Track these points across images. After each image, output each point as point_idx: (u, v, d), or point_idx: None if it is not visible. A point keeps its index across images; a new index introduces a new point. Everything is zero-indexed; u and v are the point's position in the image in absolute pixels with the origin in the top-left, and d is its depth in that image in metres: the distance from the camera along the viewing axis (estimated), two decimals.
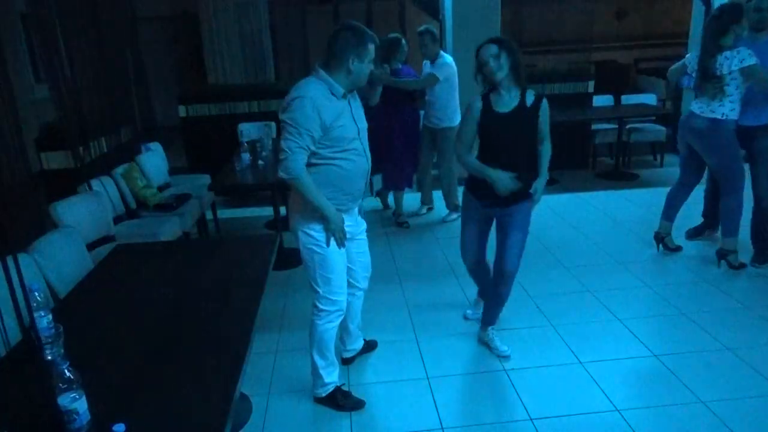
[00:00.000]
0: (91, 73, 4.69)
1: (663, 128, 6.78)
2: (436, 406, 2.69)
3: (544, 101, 2.83)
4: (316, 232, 2.51)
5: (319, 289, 2.60)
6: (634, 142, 6.73)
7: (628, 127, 6.64)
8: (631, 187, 6.03)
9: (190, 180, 5.32)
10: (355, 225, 2.69)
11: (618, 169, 6.60)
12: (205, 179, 5.25)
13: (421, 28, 4.86)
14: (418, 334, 3.33)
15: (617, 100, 6.88)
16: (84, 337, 2.06)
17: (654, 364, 2.94)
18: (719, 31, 3.58)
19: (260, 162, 4.59)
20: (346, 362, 3.06)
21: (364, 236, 2.81)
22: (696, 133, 3.81)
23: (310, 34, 10.47)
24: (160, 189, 4.92)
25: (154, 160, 5.09)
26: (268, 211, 5.18)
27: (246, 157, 4.61)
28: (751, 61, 3.48)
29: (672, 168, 6.73)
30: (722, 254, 3.95)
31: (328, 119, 2.35)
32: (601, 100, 6.80)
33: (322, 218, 2.47)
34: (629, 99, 6.94)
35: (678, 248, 4.27)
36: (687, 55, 3.94)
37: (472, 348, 3.18)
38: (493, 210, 2.95)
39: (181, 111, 6.38)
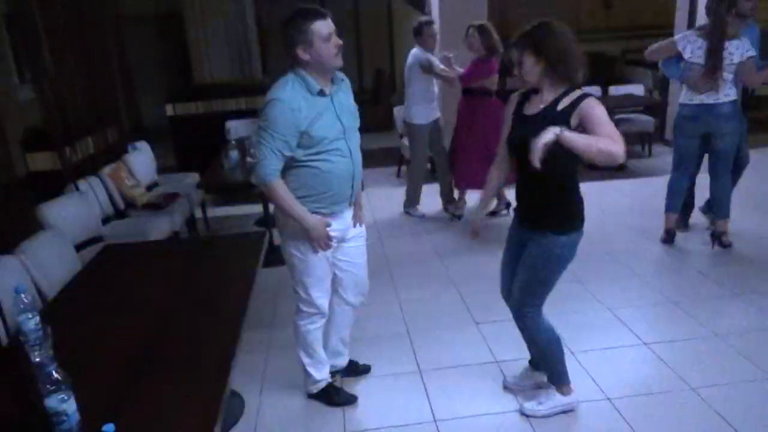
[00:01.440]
0: (76, 74, 4.65)
1: (651, 118, 6.82)
2: (428, 399, 2.71)
3: (585, 102, 2.10)
4: (295, 237, 2.41)
5: (299, 292, 2.54)
6: (622, 133, 6.74)
7: (616, 117, 6.66)
8: (619, 178, 6.06)
9: (179, 179, 5.29)
10: (344, 229, 2.51)
11: None
12: (194, 178, 5.23)
13: (424, 19, 4.81)
14: (410, 327, 3.34)
15: (605, 91, 6.91)
16: (73, 337, 2.05)
17: (644, 353, 2.96)
18: (726, 21, 3.58)
19: (249, 159, 4.57)
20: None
21: (359, 243, 2.62)
22: (724, 119, 3.79)
23: None
24: (149, 188, 4.89)
25: (141, 159, 5.06)
26: (258, 209, 5.17)
27: (234, 154, 4.59)
28: (753, 52, 3.59)
29: (659, 158, 6.79)
30: (718, 235, 4.06)
31: (305, 122, 2.21)
32: (589, 91, 6.81)
33: (302, 228, 2.34)
34: (617, 90, 6.97)
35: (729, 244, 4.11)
36: (677, 37, 3.90)
37: (463, 340, 3.19)
38: (522, 230, 2.40)
39: (169, 110, 6.34)
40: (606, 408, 2.57)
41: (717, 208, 4.07)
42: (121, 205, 4.43)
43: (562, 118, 2.11)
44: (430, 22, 4.75)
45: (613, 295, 3.56)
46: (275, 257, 4.41)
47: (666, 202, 4.23)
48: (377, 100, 9.33)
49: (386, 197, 5.76)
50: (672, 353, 2.94)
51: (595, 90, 6.85)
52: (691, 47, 3.77)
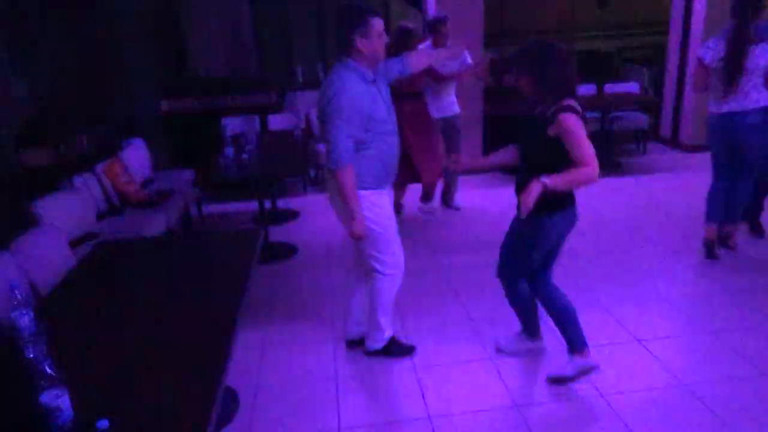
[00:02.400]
0: (71, 69, 4.63)
1: (646, 116, 6.84)
2: (422, 395, 2.72)
3: (562, 117, 2.31)
4: (371, 212, 2.64)
5: (384, 258, 2.77)
6: (617, 131, 6.78)
7: (611, 115, 6.68)
8: (614, 176, 6.08)
9: (174, 175, 5.28)
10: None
11: (601, 157, 6.63)
12: (189, 174, 5.22)
13: (440, 14, 4.74)
14: (406, 325, 3.35)
15: (600, 89, 6.92)
16: (67, 334, 2.05)
17: (636, 350, 2.98)
18: (753, 17, 3.44)
19: (244, 156, 4.57)
20: (349, 345, 3.13)
21: None
22: (751, 130, 3.61)
23: (294, 25, 10.42)
24: (144, 185, 4.88)
25: (136, 155, 5.05)
26: (253, 205, 5.17)
27: (230, 151, 4.58)
28: None
29: (654, 156, 6.82)
30: (723, 237, 4.03)
31: (366, 106, 2.47)
32: (585, 89, 6.83)
33: (349, 214, 2.58)
34: (612, 87, 6.98)
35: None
36: (699, 53, 3.66)
37: (459, 337, 3.20)
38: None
39: (164, 105, 6.32)
40: (600, 405, 2.58)
41: (729, 211, 3.90)
42: (116, 201, 4.42)
43: (544, 125, 2.37)
44: (446, 20, 4.67)
45: (604, 292, 3.58)
46: (272, 254, 4.44)
47: (705, 211, 3.96)
48: None
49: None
50: (664, 350, 2.96)
51: (590, 88, 6.86)
52: (712, 53, 3.60)
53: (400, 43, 4.33)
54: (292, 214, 5.44)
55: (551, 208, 2.45)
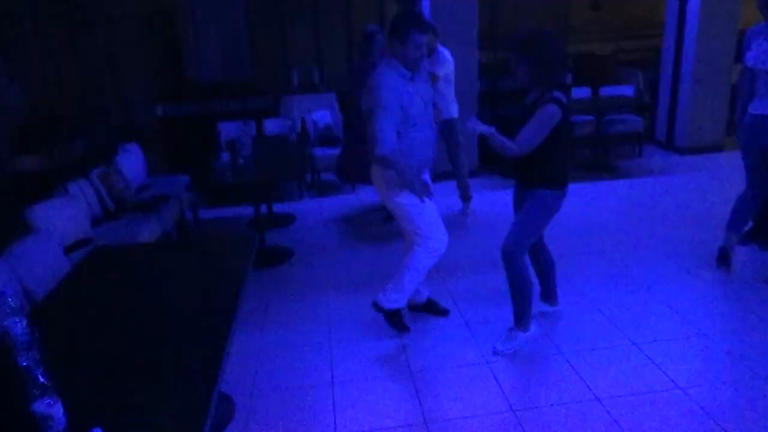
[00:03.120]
0: (65, 74, 4.62)
1: (641, 119, 6.85)
2: (419, 400, 2.71)
3: (549, 105, 2.64)
4: (408, 194, 2.89)
5: (426, 234, 3.00)
6: (613, 134, 6.80)
7: (606, 118, 6.70)
8: (610, 178, 6.10)
9: (169, 180, 5.27)
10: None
11: (597, 160, 6.67)
12: (185, 179, 5.21)
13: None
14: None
15: (595, 92, 6.94)
16: (61, 340, 2.03)
17: (632, 353, 2.98)
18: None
19: (240, 161, 4.56)
20: (409, 310, 3.40)
21: None
22: None
23: (289, 30, 10.42)
24: (139, 190, 4.87)
25: (131, 160, 5.04)
26: (249, 210, 5.15)
27: (225, 156, 4.57)
28: None
29: (650, 158, 6.83)
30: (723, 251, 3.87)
31: (405, 100, 2.80)
32: (580, 92, 6.86)
33: (405, 184, 2.84)
34: (607, 90, 7.00)
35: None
36: (748, 56, 3.41)
37: (456, 341, 3.19)
38: (520, 189, 3.00)
39: (159, 110, 6.31)
40: (595, 408, 2.58)
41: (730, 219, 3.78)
42: (111, 207, 4.41)
43: (531, 112, 2.67)
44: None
45: (600, 294, 3.58)
46: (268, 259, 4.43)
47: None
48: None
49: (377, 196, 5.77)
50: (660, 353, 2.96)
51: (585, 91, 6.88)
52: (754, 53, 3.36)
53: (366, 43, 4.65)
54: (288, 219, 5.43)
55: (551, 185, 2.81)
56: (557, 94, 2.67)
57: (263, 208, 5.17)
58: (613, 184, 5.89)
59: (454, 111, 4.87)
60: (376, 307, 3.21)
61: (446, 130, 4.90)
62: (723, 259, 3.85)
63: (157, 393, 1.70)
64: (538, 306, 3.30)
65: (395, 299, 3.15)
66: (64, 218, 3.49)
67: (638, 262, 4.03)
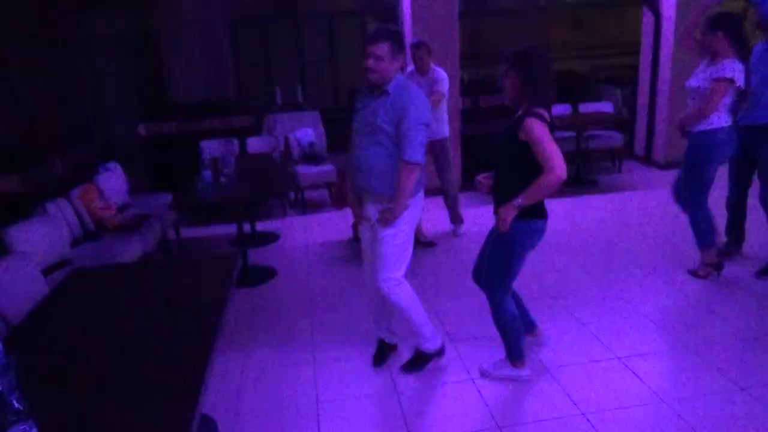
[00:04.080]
0: (45, 93, 4.58)
1: (620, 135, 6.97)
2: (404, 419, 2.69)
3: (527, 121, 2.47)
4: (403, 220, 2.80)
5: (399, 267, 2.86)
6: (592, 149, 6.90)
7: (586, 134, 6.80)
8: (591, 193, 6.17)
9: (151, 199, 5.23)
10: None
11: (578, 175, 6.75)
12: (167, 198, 5.17)
13: (416, 40, 4.69)
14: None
15: (575, 108, 7.05)
16: (39, 363, 1.99)
17: (617, 367, 2.99)
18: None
19: (222, 179, 4.54)
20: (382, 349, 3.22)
21: None
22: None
23: (272, 49, 10.47)
24: (120, 209, 4.81)
25: (112, 180, 4.99)
26: (232, 229, 5.12)
27: (208, 174, 4.55)
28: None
29: (629, 174, 6.93)
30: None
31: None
32: (560, 109, 6.95)
33: (401, 202, 2.74)
34: (587, 107, 7.12)
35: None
36: (737, 75, 3.52)
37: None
38: (495, 216, 2.73)
39: (142, 129, 6.28)
40: (580, 423, 2.58)
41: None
42: (92, 227, 4.35)
43: (514, 130, 2.54)
44: (420, 44, 4.67)
45: (583, 308, 3.60)
46: (251, 277, 4.40)
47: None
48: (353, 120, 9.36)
49: None
50: (643, 366, 2.97)
51: (565, 107, 6.98)
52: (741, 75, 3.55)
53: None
54: (271, 237, 5.41)
55: (525, 215, 2.60)
56: (539, 109, 2.52)
57: (246, 227, 5.15)
58: (594, 198, 5.96)
59: (446, 130, 4.88)
60: (424, 355, 3.06)
61: (438, 150, 4.91)
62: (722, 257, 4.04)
63: (138, 415, 1.67)
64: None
65: (428, 338, 3.00)
66: (42, 239, 3.43)
67: (619, 276, 4.07)
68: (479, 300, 3.72)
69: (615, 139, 6.93)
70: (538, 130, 2.45)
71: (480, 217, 5.37)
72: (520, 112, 2.59)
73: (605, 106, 7.19)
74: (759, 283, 3.82)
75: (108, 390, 1.80)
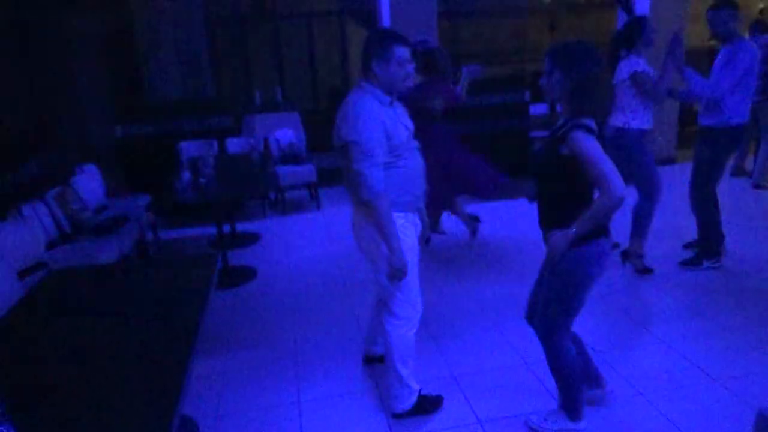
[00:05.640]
0: (19, 94, 4.50)
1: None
2: (386, 418, 2.70)
3: (573, 134, 2.07)
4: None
5: (400, 299, 2.55)
6: None
7: None
8: None
9: (129, 201, 5.16)
10: (421, 223, 2.68)
11: None
12: (145, 200, 5.11)
13: (432, 45, 4.58)
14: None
15: (553, 108, 7.15)
16: (14, 367, 1.96)
17: (595, 361, 3.03)
18: (627, 46, 3.77)
19: (202, 180, 4.51)
20: (366, 363, 3.14)
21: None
22: (606, 142, 3.79)
23: (251, 49, 10.43)
24: (97, 211, 4.76)
25: (88, 181, 4.92)
26: (212, 230, 5.08)
27: (186, 175, 4.52)
28: (639, 68, 3.66)
29: None
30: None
31: (389, 127, 2.37)
32: (538, 109, 7.04)
33: (387, 249, 2.39)
34: None
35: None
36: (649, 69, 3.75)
37: (424, 357, 3.19)
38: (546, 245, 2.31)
39: (118, 130, 6.20)
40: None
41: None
42: (68, 229, 4.29)
43: (557, 144, 2.14)
44: (434, 50, 4.62)
45: None
46: (232, 279, 4.37)
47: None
48: (333, 119, 9.33)
49: (343, 215, 5.78)
50: (621, 360, 3.03)
51: (543, 107, 7.07)
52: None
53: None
54: (252, 238, 5.38)
55: (588, 237, 2.18)
56: (586, 120, 2.10)
57: (226, 228, 5.12)
58: None
59: None
60: (398, 416, 2.67)
61: None
62: (625, 257, 4.17)
63: (117, 418, 1.66)
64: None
65: (407, 393, 2.65)
66: (17, 241, 3.38)
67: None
68: (461, 297, 3.76)
69: None
70: (588, 145, 2.05)
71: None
72: (561, 122, 2.19)
73: None
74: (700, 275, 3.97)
75: (84, 393, 1.78)
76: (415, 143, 2.58)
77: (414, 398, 2.66)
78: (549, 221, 2.28)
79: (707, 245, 4.03)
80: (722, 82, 3.65)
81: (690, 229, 4.28)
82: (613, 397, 2.72)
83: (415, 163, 2.51)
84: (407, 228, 2.51)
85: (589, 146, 2.05)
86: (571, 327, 2.40)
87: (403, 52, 2.39)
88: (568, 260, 2.22)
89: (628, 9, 6.58)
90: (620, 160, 3.64)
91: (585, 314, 3.48)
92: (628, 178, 3.82)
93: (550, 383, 2.68)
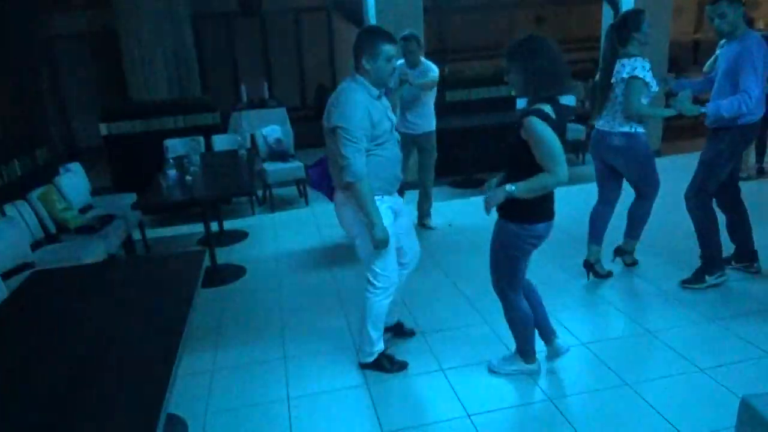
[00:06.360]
0: (2, 92, 4.45)
1: (583, 127, 7.10)
2: (376, 414, 2.70)
3: (527, 120, 2.33)
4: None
5: (376, 270, 2.84)
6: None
7: None
8: None
9: (115, 200, 5.13)
10: (399, 204, 2.97)
11: None
12: (131, 198, 5.07)
13: (406, 32, 4.63)
14: (356, 341, 3.33)
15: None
16: None
17: (582, 352, 3.06)
18: (620, 39, 3.44)
19: (188, 178, 4.48)
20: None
21: (406, 216, 3.07)
22: (613, 151, 3.62)
23: (238, 46, 10.36)
24: (83, 211, 4.72)
25: (74, 181, 4.88)
26: (199, 228, 5.06)
27: (173, 173, 4.49)
28: (639, 73, 3.33)
29: (592, 165, 7.06)
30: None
31: (375, 117, 2.65)
32: (524, 103, 7.04)
33: (369, 224, 2.67)
34: None
35: (609, 274, 3.92)
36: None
37: (412, 351, 3.21)
38: None
39: (103, 129, 6.14)
40: (548, 409, 2.63)
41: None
42: (53, 229, 4.25)
43: (518, 131, 2.39)
44: (411, 38, 4.68)
45: (551, 298, 3.64)
46: (219, 277, 4.35)
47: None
48: (320, 116, 9.29)
49: (332, 211, 5.77)
50: (607, 351, 3.05)
51: (522, 101, 7.05)
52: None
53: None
54: (240, 236, 5.36)
55: (514, 216, 2.52)
56: (543, 106, 2.37)
57: (214, 225, 5.09)
58: (559, 190, 6.04)
59: (433, 123, 4.90)
60: (362, 366, 3.03)
61: (425, 142, 4.90)
62: (590, 269, 3.88)
63: (102, 417, 1.65)
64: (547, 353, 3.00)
65: (369, 350, 2.99)
66: (1, 242, 3.34)
67: (580, 264, 4.12)
68: (445, 290, 3.78)
69: (578, 131, 7.06)
70: (539, 129, 2.30)
71: (449, 211, 5.42)
72: (524, 110, 2.42)
73: (568, 100, 7.30)
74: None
75: (70, 393, 1.77)
76: (396, 135, 2.87)
77: (374, 356, 3.00)
78: (510, 202, 2.46)
79: (709, 258, 3.65)
80: (752, 89, 3.18)
81: (674, 222, 4.30)
82: (597, 387, 2.74)
83: (392, 153, 2.81)
84: (383, 209, 2.76)
85: (540, 130, 2.30)
86: (519, 285, 2.71)
87: (389, 49, 2.65)
88: (508, 234, 2.56)
89: (614, 3, 6.61)
90: (630, 165, 3.62)
91: (572, 306, 3.54)
92: (636, 182, 3.74)
93: (507, 336, 2.98)
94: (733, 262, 3.86)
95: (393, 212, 2.86)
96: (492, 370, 2.91)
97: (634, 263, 4.05)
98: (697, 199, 3.58)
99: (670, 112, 3.51)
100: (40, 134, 5.18)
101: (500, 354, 3.01)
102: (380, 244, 2.71)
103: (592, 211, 3.94)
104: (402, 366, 3.01)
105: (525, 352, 2.84)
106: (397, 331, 3.30)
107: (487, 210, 2.49)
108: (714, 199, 3.67)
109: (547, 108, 2.37)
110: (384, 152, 2.75)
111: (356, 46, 2.69)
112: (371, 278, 2.87)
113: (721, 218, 3.72)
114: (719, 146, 3.46)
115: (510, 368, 2.88)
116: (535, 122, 2.31)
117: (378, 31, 2.72)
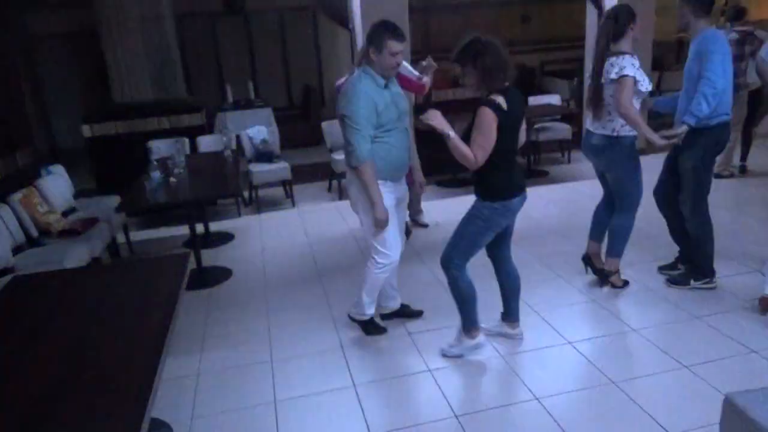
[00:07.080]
0: None
1: (568, 126, 7.15)
2: (363, 413, 2.69)
3: (480, 108, 2.63)
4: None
5: (378, 247, 3.08)
6: (542, 141, 7.06)
7: (536, 126, 6.95)
8: (541, 184, 6.31)
9: (98, 202, 5.07)
10: (403, 191, 3.19)
11: (529, 167, 6.90)
12: (115, 201, 5.02)
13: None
14: (343, 343, 3.32)
15: (525, 101, 7.18)
16: None
17: (568, 351, 3.08)
18: (616, 34, 3.30)
19: (172, 179, 4.44)
20: (384, 318, 3.46)
21: (404, 205, 3.30)
22: (593, 150, 3.54)
23: (223, 46, 10.28)
24: (65, 213, 4.65)
25: (56, 183, 4.81)
26: (184, 230, 5.01)
27: (156, 175, 4.44)
28: (629, 72, 3.19)
29: (578, 164, 7.12)
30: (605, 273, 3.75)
31: (380, 106, 2.85)
32: (494, 99, 7.06)
33: (372, 205, 2.92)
34: (536, 99, 7.27)
35: (626, 283, 3.76)
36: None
37: (399, 351, 3.20)
38: None
39: (86, 131, 6.06)
40: (535, 408, 2.64)
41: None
42: (34, 232, 4.19)
43: (474, 117, 2.68)
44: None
45: (538, 297, 3.67)
46: (205, 279, 4.31)
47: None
48: (307, 117, 9.29)
49: (318, 212, 5.76)
50: (594, 350, 3.07)
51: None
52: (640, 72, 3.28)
53: None
54: (226, 237, 5.32)
55: (486, 195, 2.79)
56: (494, 97, 2.61)
57: (200, 227, 5.05)
58: (545, 188, 6.09)
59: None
60: (351, 319, 3.39)
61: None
62: (588, 264, 3.84)
63: (85, 422, 1.62)
64: (497, 327, 3.22)
65: (361, 312, 3.30)
66: None
67: (570, 263, 4.14)
68: (433, 289, 3.77)
69: (563, 130, 7.11)
70: (483, 116, 2.60)
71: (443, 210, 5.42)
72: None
73: (553, 99, 7.35)
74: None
75: (51, 397, 1.74)
76: (405, 122, 3.06)
77: (364, 318, 3.32)
78: (474, 182, 2.84)
79: (699, 263, 3.60)
80: (712, 72, 3.16)
81: (659, 217, 4.33)
82: (584, 385, 2.76)
83: (399, 140, 2.99)
84: (385, 193, 2.98)
85: (484, 117, 2.60)
86: (466, 263, 2.89)
87: (394, 45, 2.83)
88: (486, 210, 2.79)
89: (597, 2, 6.65)
90: (610, 168, 3.48)
91: (559, 306, 3.56)
92: (613, 189, 3.56)
93: (493, 337, 3.18)
94: (679, 265, 3.82)
95: (395, 198, 3.09)
96: (444, 355, 3.08)
97: (626, 283, 3.73)
98: (697, 214, 3.51)
99: (658, 141, 3.29)
100: (20, 136, 5.10)
101: (487, 353, 3.04)
102: (379, 224, 2.96)
103: (595, 207, 3.82)
104: (381, 331, 3.35)
105: (467, 326, 3.01)
106: (404, 314, 3.50)
107: (429, 117, 2.66)
108: (655, 198, 3.74)
109: (500, 99, 2.61)
110: (390, 139, 2.95)
111: (368, 37, 2.91)
112: (372, 252, 3.12)
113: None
114: (698, 152, 3.40)
115: (457, 349, 3.06)
116: (485, 111, 2.60)
117: (388, 26, 2.87)
